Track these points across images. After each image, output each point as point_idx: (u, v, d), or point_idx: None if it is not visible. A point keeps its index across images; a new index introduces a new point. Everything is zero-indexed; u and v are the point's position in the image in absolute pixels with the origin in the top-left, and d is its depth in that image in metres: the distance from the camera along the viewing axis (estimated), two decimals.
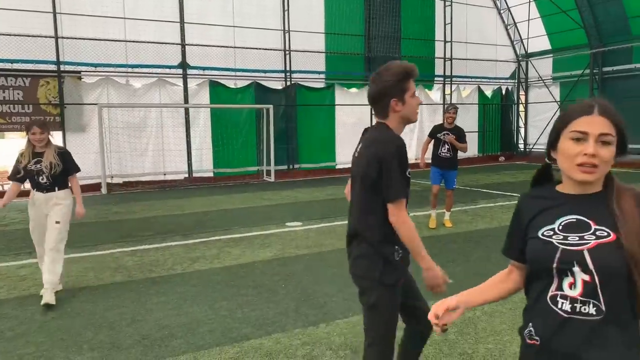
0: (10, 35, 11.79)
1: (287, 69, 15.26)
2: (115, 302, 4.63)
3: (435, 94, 18.47)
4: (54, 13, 12.26)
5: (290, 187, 12.87)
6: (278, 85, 15.42)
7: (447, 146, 7.41)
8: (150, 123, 13.74)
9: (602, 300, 1.37)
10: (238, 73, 14.59)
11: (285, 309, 4.35)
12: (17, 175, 4.77)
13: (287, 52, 15.18)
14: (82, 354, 3.57)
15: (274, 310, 4.32)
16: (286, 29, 15.10)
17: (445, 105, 8.36)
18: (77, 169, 4.95)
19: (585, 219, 1.42)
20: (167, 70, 13.71)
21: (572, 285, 1.39)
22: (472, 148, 18.24)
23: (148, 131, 13.71)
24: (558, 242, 1.42)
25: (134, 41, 13.11)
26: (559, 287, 1.41)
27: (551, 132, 1.51)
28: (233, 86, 14.77)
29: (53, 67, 12.41)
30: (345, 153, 16.07)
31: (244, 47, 14.46)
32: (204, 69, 14.13)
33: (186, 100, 14.03)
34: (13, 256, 6.37)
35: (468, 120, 18.28)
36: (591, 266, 1.36)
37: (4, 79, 11.91)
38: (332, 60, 15.91)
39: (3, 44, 11.79)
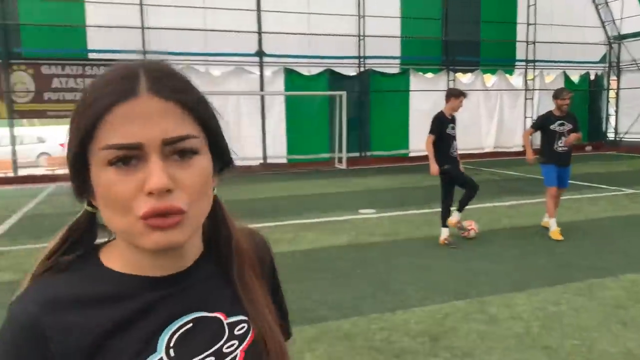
0: (101, 27, 12.57)
1: (361, 54, 15.15)
2: None
3: (516, 80, 17.63)
4: (141, 4, 12.90)
5: (362, 174, 12.84)
6: (351, 72, 15.36)
7: (563, 138, 6.20)
8: (228, 110, 14.16)
9: None
10: (312, 60, 14.67)
11: (362, 294, 4.36)
12: None
13: (361, 38, 15.05)
14: None
15: (350, 295, 4.35)
16: (361, 14, 14.96)
17: (555, 91, 6.66)
18: None
19: (208, 314, 0.71)
20: (245, 59, 14.04)
21: None
22: None
23: (225, 118, 13.94)
24: None
25: (213, 30, 13.52)
26: None
27: (68, 147, 0.66)
28: (307, 73, 14.89)
29: (140, 57, 13.03)
30: (419, 141, 15.77)
31: (318, 34, 14.49)
32: (279, 56, 14.33)
33: (262, 88, 14.33)
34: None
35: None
36: None
37: (97, 69, 12.73)
38: (407, 44, 15.58)
39: (95, 35, 12.59)
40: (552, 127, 6.27)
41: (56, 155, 16.57)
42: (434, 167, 5.75)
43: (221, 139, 0.71)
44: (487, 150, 16.73)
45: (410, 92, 15.73)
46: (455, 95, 6.01)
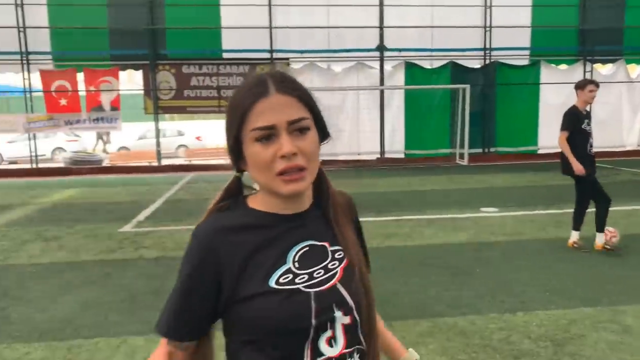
0: (233, 28, 13.51)
1: (487, 46, 14.51)
2: None
3: None
4: (269, 5, 13.63)
5: (485, 171, 12.35)
6: (476, 64, 14.79)
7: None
8: (348, 105, 14.44)
9: (362, 340, 1.03)
10: (434, 53, 14.38)
11: (480, 293, 4.27)
12: None
13: (487, 29, 14.42)
14: None
15: (468, 293, 4.29)
16: (488, 4, 14.32)
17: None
18: None
19: (317, 242, 1.04)
20: (366, 54, 14.19)
21: (332, 340, 0.98)
22: None
23: (345, 113, 14.43)
24: (306, 286, 0.97)
25: (336, 27, 13.85)
26: (315, 353, 0.96)
27: (227, 133, 1.02)
28: (429, 67, 14.63)
29: (267, 55, 13.85)
30: (549, 137, 14.73)
31: (441, 26, 14.16)
32: (400, 50, 14.26)
33: (382, 83, 14.37)
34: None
35: None
36: (350, 302, 1.00)
37: (229, 67, 13.73)
38: (538, 34, 14.60)
39: (228, 36, 13.58)
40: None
41: (193, 147, 18.16)
42: (578, 166, 5.15)
43: (322, 119, 1.03)
44: (629, 148, 15.14)
45: (540, 85, 14.74)
46: (580, 86, 5.34)
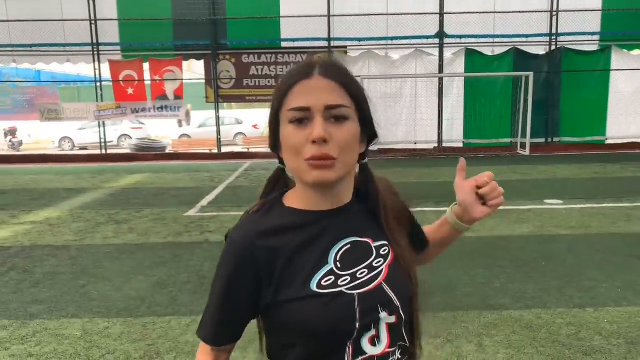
0: (292, 17, 13.61)
1: (553, 31, 13.90)
2: None
3: None
4: None
5: (548, 162, 11.90)
6: (540, 50, 14.22)
7: None
8: (405, 93, 14.27)
9: (406, 337, 0.99)
10: (496, 39, 13.93)
11: (547, 287, 4.17)
12: None
13: (553, 13, 13.79)
14: None
15: (534, 286, 4.19)
16: None
17: None
18: None
19: (360, 238, 0.98)
20: (425, 41, 13.94)
21: (375, 339, 0.93)
22: None
23: (403, 101, 14.28)
24: (349, 288, 0.92)
25: (394, 14, 13.67)
26: (357, 352, 0.92)
27: (270, 117, 0.98)
28: (490, 53, 14.19)
29: (325, 44, 13.88)
30: (618, 127, 14.00)
31: (504, 12, 13.68)
32: (460, 37, 13.91)
33: (441, 70, 14.09)
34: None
35: None
36: (396, 301, 0.94)
37: (287, 56, 13.87)
38: (610, 18, 13.81)
39: (287, 25, 13.70)
40: None
41: (250, 135, 18.55)
42: None
43: (367, 113, 0.97)
44: None
45: (611, 72, 13.97)
46: None
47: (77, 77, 23.15)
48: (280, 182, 1.05)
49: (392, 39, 13.86)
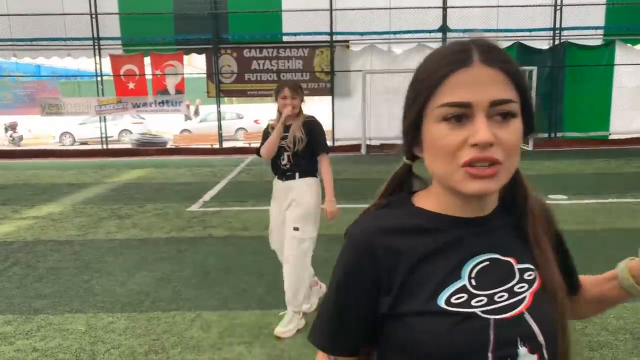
0: (294, 11, 13.54)
1: (557, 26, 13.83)
2: None
3: None
4: None
5: (552, 157, 11.86)
6: (544, 45, 14.15)
7: None
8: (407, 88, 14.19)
9: None
10: (499, 34, 13.85)
11: None
12: None
13: (557, 7, 13.72)
14: None
15: None
16: None
17: None
18: (326, 148, 3.54)
19: (501, 257, 0.82)
20: (427, 35, 13.88)
21: None
22: None
23: (405, 96, 14.19)
24: (484, 311, 0.77)
25: (397, 8, 13.60)
26: None
27: (407, 110, 0.83)
28: None
29: (327, 38, 13.83)
30: (622, 122, 13.95)
31: (508, 5, 13.61)
32: (464, 31, 13.82)
33: None
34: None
35: None
36: (540, 337, 0.78)
37: (289, 50, 13.82)
38: (614, 12, 13.74)
39: (288, 19, 13.63)
40: None
41: (251, 130, 18.51)
42: None
43: (531, 107, 0.81)
44: None
45: (615, 67, 13.90)
46: None
47: (77, 71, 23.11)
48: (407, 182, 0.91)
49: (394, 33, 13.79)
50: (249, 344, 3.28)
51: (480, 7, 13.57)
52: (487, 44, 0.77)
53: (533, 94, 13.04)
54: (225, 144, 15.34)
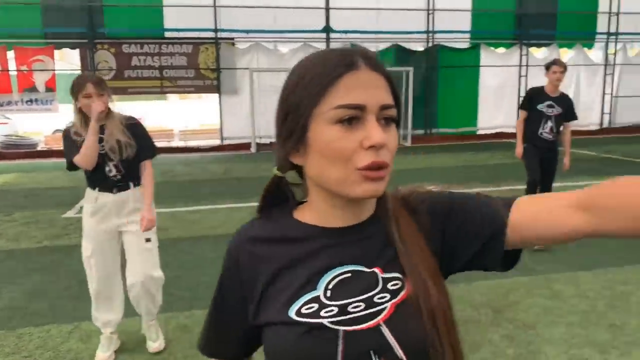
0: (176, 6, 13.12)
1: (430, 29, 14.88)
2: None
3: (595, 54, 16.63)
4: None
5: (427, 152, 12.77)
6: (419, 47, 15.15)
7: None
8: None
9: None
10: (380, 35, 14.58)
11: None
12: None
13: (430, 12, 14.77)
14: None
15: None
16: None
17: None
18: (154, 151, 3.19)
19: (366, 268, 0.79)
20: (312, 35, 14.19)
21: None
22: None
23: None
24: (334, 322, 0.76)
25: (281, 7, 13.73)
26: None
27: (287, 115, 0.80)
28: (374, 49, 14.82)
29: (211, 35, 13.58)
30: (487, 117, 15.40)
31: (386, 8, 14.36)
32: (346, 32, 14.36)
33: None
34: (183, 203, 7.35)
35: (635, 82, 16.26)
36: (399, 351, 0.75)
37: (172, 46, 13.36)
38: (478, 18, 15.11)
39: (170, 15, 13.17)
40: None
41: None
42: (518, 148, 5.19)
43: (400, 116, 0.82)
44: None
45: (480, 68, 15.31)
46: (546, 67, 5.20)
47: None
48: (279, 194, 0.87)
49: (279, 32, 13.91)
50: (132, 351, 3.18)
51: (361, 9, 14.17)
52: (366, 50, 0.79)
53: (410, 93, 13.95)
54: None
